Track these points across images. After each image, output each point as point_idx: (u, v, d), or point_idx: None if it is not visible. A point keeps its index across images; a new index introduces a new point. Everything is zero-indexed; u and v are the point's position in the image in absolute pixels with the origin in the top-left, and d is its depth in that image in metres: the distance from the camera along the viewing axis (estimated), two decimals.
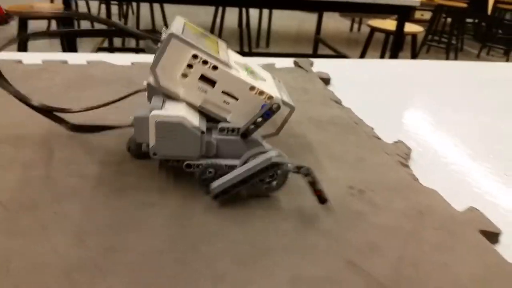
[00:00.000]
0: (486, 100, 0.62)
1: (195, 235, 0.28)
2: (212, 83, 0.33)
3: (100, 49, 2.72)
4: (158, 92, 0.33)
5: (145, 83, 0.33)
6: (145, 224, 0.29)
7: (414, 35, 2.70)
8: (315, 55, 3.14)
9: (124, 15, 4.19)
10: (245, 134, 0.33)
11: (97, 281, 0.24)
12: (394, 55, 2.08)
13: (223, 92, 0.33)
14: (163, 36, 0.33)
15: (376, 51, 3.80)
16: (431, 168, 0.42)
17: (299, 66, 0.66)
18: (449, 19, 4.33)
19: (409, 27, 2.64)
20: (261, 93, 0.33)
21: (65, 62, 0.60)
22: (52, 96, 0.48)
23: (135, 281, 0.24)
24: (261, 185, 0.32)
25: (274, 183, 0.32)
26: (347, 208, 0.33)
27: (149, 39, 0.35)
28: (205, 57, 0.32)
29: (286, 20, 5.41)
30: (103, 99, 0.48)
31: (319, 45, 3.22)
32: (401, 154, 0.41)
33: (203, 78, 0.32)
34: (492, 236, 0.32)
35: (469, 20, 5.44)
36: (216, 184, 0.31)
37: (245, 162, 0.32)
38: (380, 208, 0.33)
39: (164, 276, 0.25)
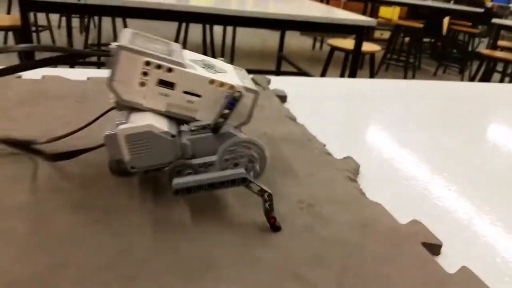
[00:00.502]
0: (438, 116, 0.65)
1: (143, 250, 0.29)
2: (171, 85, 0.33)
3: None
4: (124, 107, 0.33)
5: (112, 100, 0.34)
6: (91, 240, 0.29)
7: (372, 54, 2.80)
8: (278, 72, 3.20)
9: (85, 29, 4.13)
10: (216, 129, 0.33)
11: None
12: (352, 74, 2.14)
13: (185, 92, 0.33)
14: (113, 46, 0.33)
15: (338, 68, 3.90)
16: (380, 182, 0.43)
17: (256, 83, 0.67)
18: (407, 39, 4.50)
19: (368, 47, 2.73)
20: (222, 84, 0.34)
21: (19, 76, 0.59)
22: (4, 111, 0.47)
23: None
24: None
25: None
26: (295, 221, 0.34)
27: (100, 55, 0.35)
28: (157, 62, 0.32)
29: (250, 37, 5.48)
30: (56, 114, 0.48)
31: (282, 62, 3.28)
32: (350, 169, 0.43)
33: (162, 82, 0.33)
34: (434, 247, 0.33)
35: (426, 40, 5.69)
36: (179, 180, 0.31)
37: (222, 155, 0.33)
38: (327, 221, 0.34)
39: None
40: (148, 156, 0.32)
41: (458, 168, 0.49)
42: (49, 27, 4.04)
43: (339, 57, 3.29)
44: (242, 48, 4.84)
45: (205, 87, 0.33)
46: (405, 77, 4.26)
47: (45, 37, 4.17)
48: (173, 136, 0.32)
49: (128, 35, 0.34)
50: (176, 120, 0.34)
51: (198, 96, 0.33)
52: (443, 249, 0.34)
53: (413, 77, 4.46)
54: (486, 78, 3.63)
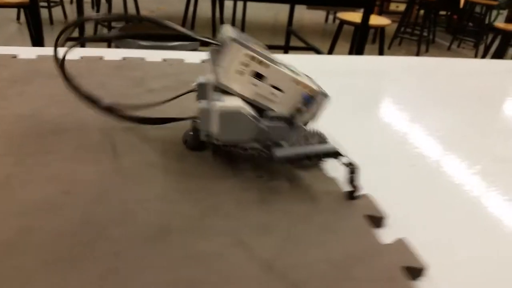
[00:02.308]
0: (432, 95, 0.66)
1: (105, 218, 0.32)
2: (262, 78, 0.38)
3: (70, 39, 2.69)
4: (208, 90, 0.39)
5: (194, 84, 0.41)
6: (61, 210, 0.33)
7: (382, 28, 2.76)
8: (287, 47, 3.18)
9: (97, 3, 4.15)
10: (291, 121, 0.39)
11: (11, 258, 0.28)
12: (359, 49, 2.13)
13: (271, 86, 0.38)
14: (220, 39, 0.39)
15: (348, 43, 3.85)
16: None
17: None
18: (422, 12, 4.41)
19: (377, 20, 2.70)
20: (305, 86, 0.39)
21: (14, 56, 0.62)
22: None
23: (45, 260, 0.28)
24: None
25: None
26: (250, 194, 0.37)
27: (210, 43, 0.40)
28: (260, 57, 0.37)
29: (263, 11, 5.43)
30: (48, 92, 0.51)
31: (292, 37, 3.26)
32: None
33: (257, 74, 0.38)
34: (377, 220, 0.36)
35: (442, 12, 5.56)
36: (281, 150, 0.38)
37: (292, 142, 0.39)
38: (280, 194, 0.37)
39: (70, 256, 0.29)
40: (233, 132, 0.38)
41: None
42: (61, 2, 4.07)
43: (349, 31, 3.26)
44: (254, 23, 4.80)
45: (289, 84, 0.39)
46: (418, 52, 4.20)
47: (57, 12, 4.19)
48: (257, 119, 0.37)
49: (234, 31, 0.39)
50: (256, 108, 0.39)
51: (281, 91, 0.39)
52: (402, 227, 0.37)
53: (427, 51, 4.39)
54: (500, 52, 3.56)
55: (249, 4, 4.22)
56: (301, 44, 3.09)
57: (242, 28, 4.16)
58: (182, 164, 0.40)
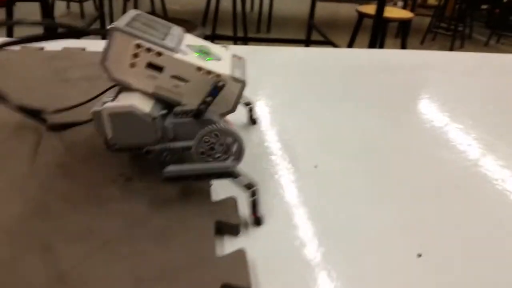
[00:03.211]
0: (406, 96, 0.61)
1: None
2: (160, 69, 0.34)
3: None
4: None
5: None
6: None
7: (403, 22, 2.63)
8: (308, 40, 3.11)
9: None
10: (198, 114, 0.34)
11: None
12: (372, 43, 2.04)
13: (172, 77, 0.34)
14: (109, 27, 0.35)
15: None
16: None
17: None
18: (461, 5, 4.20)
19: (398, 13, 2.58)
20: (209, 72, 0.35)
21: None
22: None
23: None
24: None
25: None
26: (103, 193, 0.34)
27: (98, 34, 0.37)
28: (148, 45, 0.33)
29: (296, 4, 5.34)
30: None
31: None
32: None
33: (150, 65, 0.34)
34: (231, 227, 0.32)
35: (483, 7, 5.29)
36: (171, 168, 0.33)
37: (199, 141, 0.33)
38: (130, 196, 0.34)
39: None
40: (129, 135, 0.33)
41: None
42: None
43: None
44: (283, 16, 4.74)
45: (192, 73, 0.34)
46: (451, 47, 4.01)
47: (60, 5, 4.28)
48: (154, 118, 0.33)
49: (129, 16, 0.36)
50: (165, 102, 0.35)
51: (186, 81, 0.35)
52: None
53: (461, 47, 4.18)
54: None
55: None
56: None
57: (269, 22, 4.12)
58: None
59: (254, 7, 4.74)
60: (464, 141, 0.50)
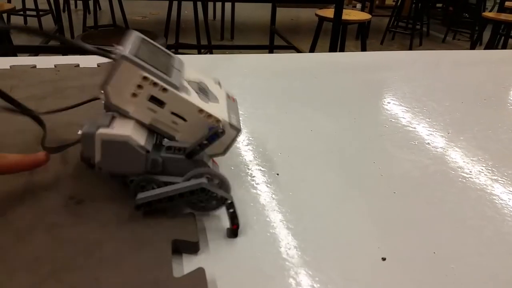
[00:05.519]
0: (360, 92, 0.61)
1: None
2: (161, 103, 0.33)
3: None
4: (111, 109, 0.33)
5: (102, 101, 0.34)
6: None
7: (362, 24, 2.68)
8: (272, 46, 3.13)
9: (87, 10, 4.13)
10: (191, 154, 0.33)
11: None
12: (333, 46, 2.07)
13: (172, 113, 0.34)
14: (116, 51, 0.32)
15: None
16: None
17: None
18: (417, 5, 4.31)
19: (356, 15, 2.62)
20: (209, 116, 0.34)
21: None
22: None
23: None
24: (198, 204, 0.34)
25: (214, 202, 0.34)
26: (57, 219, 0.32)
27: (102, 55, 0.34)
28: (155, 80, 0.32)
29: (257, 10, 5.37)
30: None
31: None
32: None
33: (153, 98, 0.33)
34: (190, 245, 0.31)
35: (438, 5, 5.46)
36: (142, 195, 0.32)
37: (185, 180, 0.33)
38: (85, 219, 0.32)
39: None
40: (118, 162, 0.32)
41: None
42: (50, 10, 4.05)
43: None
44: (244, 23, 4.76)
45: (192, 113, 0.34)
46: (411, 46, 4.11)
47: (47, 21, 4.18)
48: (147, 151, 0.32)
49: (135, 41, 0.34)
50: (156, 133, 0.35)
51: (184, 119, 0.34)
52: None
53: (420, 45, 4.30)
54: (491, 43, 3.46)
55: (238, 6, 4.19)
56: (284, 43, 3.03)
57: (232, 30, 4.13)
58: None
59: (217, 15, 4.74)
60: (425, 139, 0.50)
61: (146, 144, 0.33)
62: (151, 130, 0.34)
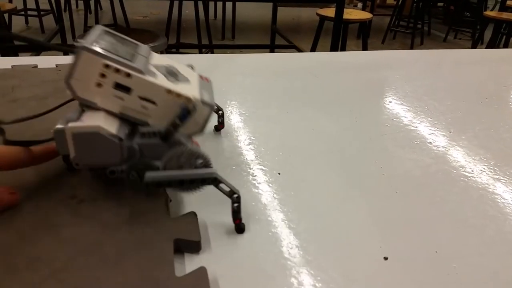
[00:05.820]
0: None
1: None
2: (127, 90, 0.33)
3: None
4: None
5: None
6: None
7: (362, 23, 2.68)
8: (273, 45, 3.12)
9: (88, 11, 4.13)
10: (166, 137, 0.33)
11: None
12: (335, 45, 2.07)
13: (140, 98, 0.33)
14: (77, 45, 0.33)
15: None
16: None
17: None
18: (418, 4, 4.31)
19: (358, 15, 2.62)
20: (178, 95, 0.33)
21: None
22: None
23: None
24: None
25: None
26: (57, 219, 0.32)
27: (64, 50, 0.34)
28: (116, 66, 0.32)
29: (258, 9, 5.36)
30: None
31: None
32: None
33: (118, 85, 0.33)
34: (192, 245, 0.31)
35: (439, 4, 5.44)
36: (152, 173, 0.32)
37: (166, 162, 0.32)
38: (94, 217, 0.32)
39: None
40: (94, 155, 0.32)
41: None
42: (52, 11, 4.06)
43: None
44: (245, 23, 4.75)
45: (161, 95, 0.33)
46: (412, 45, 4.10)
47: (48, 21, 4.18)
48: (120, 139, 0.32)
49: (96, 33, 0.34)
50: (130, 121, 0.34)
51: (154, 103, 0.33)
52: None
53: (421, 44, 4.29)
54: (493, 42, 3.46)
55: (239, 5, 4.18)
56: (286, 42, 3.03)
57: (233, 29, 4.12)
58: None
59: (218, 15, 4.73)
60: (426, 138, 0.50)
61: (119, 132, 0.32)
62: (123, 119, 0.34)
